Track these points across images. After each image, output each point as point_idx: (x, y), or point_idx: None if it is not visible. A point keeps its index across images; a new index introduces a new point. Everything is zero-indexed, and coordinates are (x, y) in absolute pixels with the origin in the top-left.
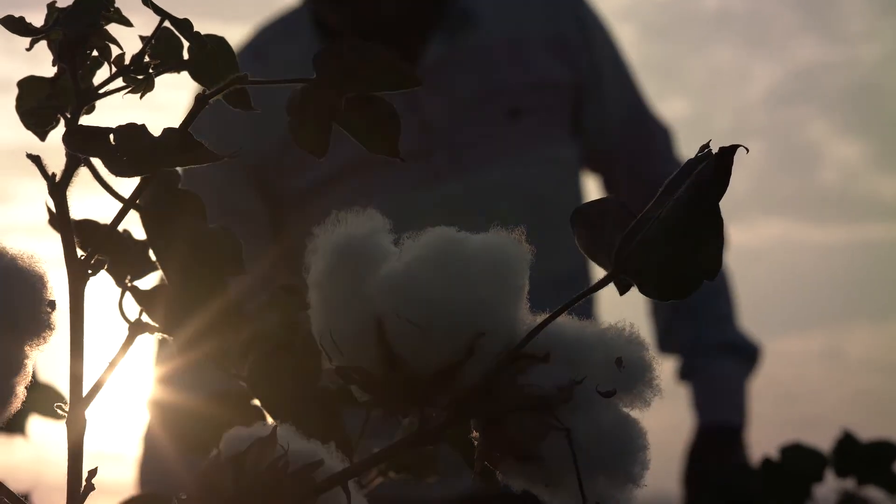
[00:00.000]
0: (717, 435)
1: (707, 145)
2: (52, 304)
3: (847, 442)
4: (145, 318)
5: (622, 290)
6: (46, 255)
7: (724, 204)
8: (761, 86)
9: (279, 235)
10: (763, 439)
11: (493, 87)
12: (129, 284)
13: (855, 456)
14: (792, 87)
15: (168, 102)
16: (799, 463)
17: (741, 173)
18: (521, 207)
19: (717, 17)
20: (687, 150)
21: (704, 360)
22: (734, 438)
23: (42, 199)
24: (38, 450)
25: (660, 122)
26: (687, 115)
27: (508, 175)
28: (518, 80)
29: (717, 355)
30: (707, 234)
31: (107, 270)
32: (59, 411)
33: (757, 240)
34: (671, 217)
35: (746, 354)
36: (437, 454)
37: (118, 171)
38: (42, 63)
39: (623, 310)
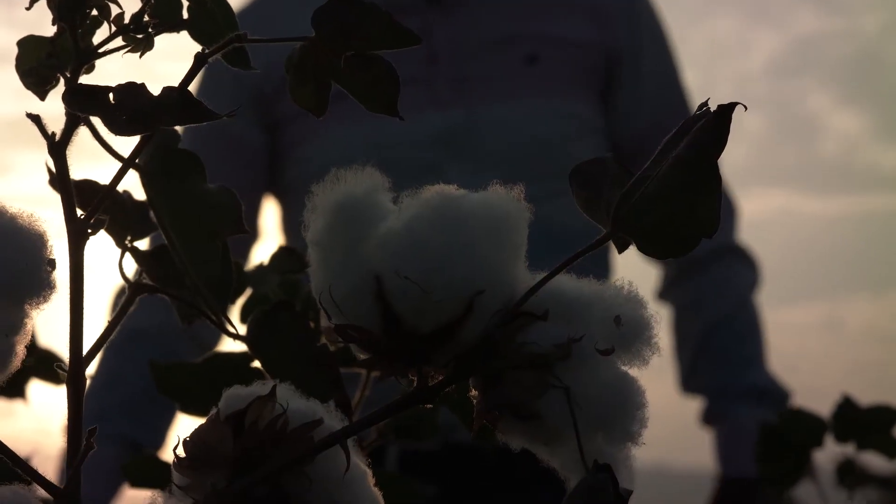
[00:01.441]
0: (741, 489)
1: (706, 103)
2: (52, 263)
3: (846, 407)
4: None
5: (621, 249)
6: (46, 224)
7: (724, 175)
8: (761, 56)
9: (277, 169)
10: None
11: (514, 31)
12: (128, 245)
13: (854, 421)
14: (792, 57)
15: (166, 73)
16: (799, 428)
17: (742, 145)
18: (525, 150)
19: None
20: None
21: (730, 407)
22: (758, 492)
23: (40, 170)
24: (38, 420)
25: None
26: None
27: (517, 116)
28: (541, 30)
29: (744, 401)
30: (705, 192)
31: (106, 231)
32: (59, 372)
33: (757, 211)
34: (669, 175)
35: (774, 400)
36: (436, 414)
37: (117, 130)
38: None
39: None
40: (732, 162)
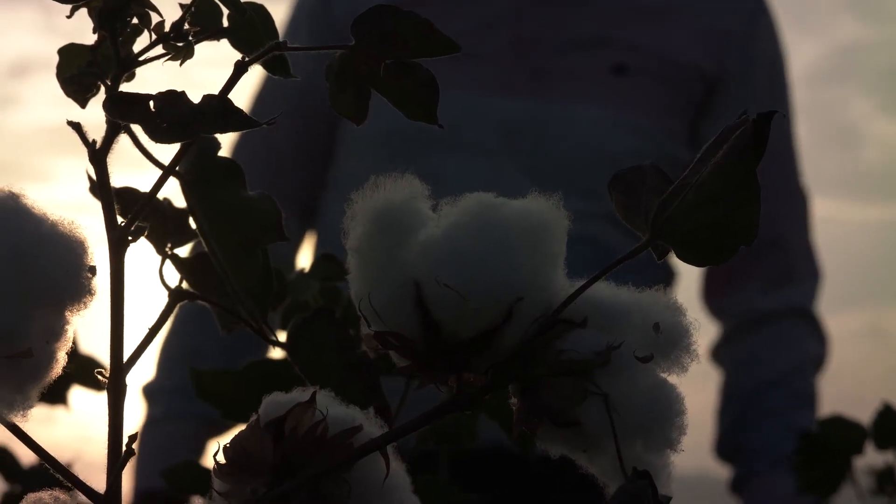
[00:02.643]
0: None
1: (745, 112)
2: (93, 270)
3: (887, 414)
4: (185, 285)
5: (660, 256)
6: (86, 231)
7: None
8: (802, 64)
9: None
10: None
11: (606, 34)
12: (169, 252)
13: (895, 428)
14: (833, 65)
15: (206, 80)
16: (839, 435)
17: None
18: (588, 162)
19: None
20: None
21: (770, 469)
22: None
23: (81, 177)
24: (79, 426)
25: (801, 185)
26: None
27: (589, 124)
28: (637, 39)
29: (785, 468)
30: (744, 199)
31: (147, 238)
32: (100, 379)
33: None
34: (708, 183)
35: None
36: (476, 420)
37: (158, 138)
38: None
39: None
40: None
